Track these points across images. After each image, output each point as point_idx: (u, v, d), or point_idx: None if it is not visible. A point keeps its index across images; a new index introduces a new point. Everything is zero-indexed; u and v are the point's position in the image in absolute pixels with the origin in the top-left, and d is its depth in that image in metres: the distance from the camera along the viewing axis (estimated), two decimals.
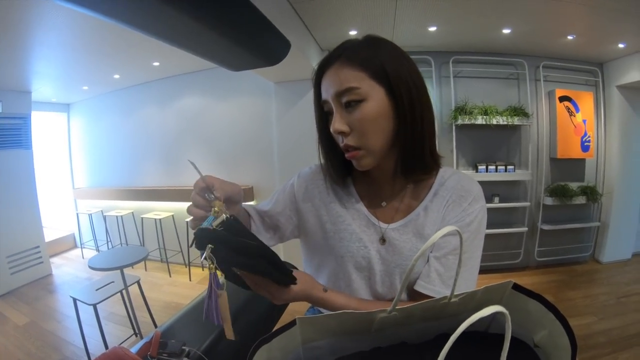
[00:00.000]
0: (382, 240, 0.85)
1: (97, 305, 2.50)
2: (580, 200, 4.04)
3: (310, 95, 0.85)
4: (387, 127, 0.75)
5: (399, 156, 0.80)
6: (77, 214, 5.76)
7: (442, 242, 0.79)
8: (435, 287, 0.77)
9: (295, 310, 1.20)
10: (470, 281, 0.78)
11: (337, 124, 0.74)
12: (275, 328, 0.49)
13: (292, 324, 0.48)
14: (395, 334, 0.51)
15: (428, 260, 0.81)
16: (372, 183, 0.89)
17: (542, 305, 0.44)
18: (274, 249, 0.79)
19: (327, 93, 0.77)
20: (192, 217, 0.72)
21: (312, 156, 0.93)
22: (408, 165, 0.80)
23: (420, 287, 0.79)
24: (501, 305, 0.47)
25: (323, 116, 0.83)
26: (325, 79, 0.78)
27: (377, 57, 0.73)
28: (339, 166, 0.88)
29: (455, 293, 0.77)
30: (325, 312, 0.97)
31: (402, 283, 0.46)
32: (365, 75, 0.72)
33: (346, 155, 0.79)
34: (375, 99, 0.72)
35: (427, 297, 0.76)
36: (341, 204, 0.91)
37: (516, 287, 0.46)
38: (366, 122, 0.73)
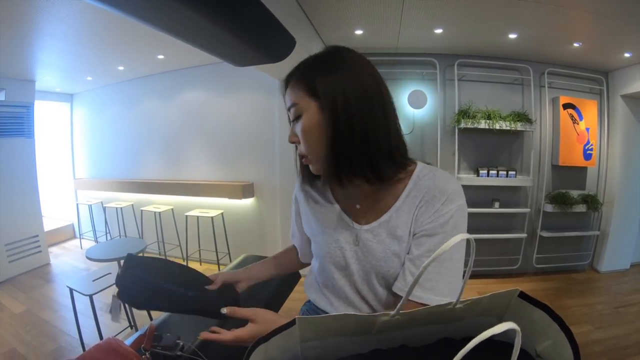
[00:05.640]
0: (357, 241, 0.89)
1: (94, 296, 2.51)
2: (581, 208, 4.04)
3: None
4: (322, 138, 0.79)
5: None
6: (77, 204, 5.76)
7: (416, 244, 0.81)
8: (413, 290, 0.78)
9: (292, 308, 1.20)
10: (454, 284, 0.78)
11: (290, 135, 0.85)
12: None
13: (291, 324, 0.47)
14: (396, 337, 0.50)
15: (404, 263, 0.83)
16: (345, 186, 0.90)
17: (548, 316, 0.43)
18: None
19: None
20: None
21: None
22: (358, 173, 0.80)
23: (398, 289, 0.82)
24: (507, 314, 0.46)
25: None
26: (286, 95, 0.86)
27: (313, 74, 0.79)
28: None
29: (441, 296, 0.76)
30: (323, 312, 1.01)
31: (408, 290, 0.45)
32: (303, 92, 0.79)
33: (302, 161, 0.87)
34: (309, 114, 0.79)
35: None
36: (320, 207, 0.98)
37: (522, 295, 0.45)
38: (304, 134, 0.81)
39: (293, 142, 0.85)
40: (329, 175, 0.83)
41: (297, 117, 0.81)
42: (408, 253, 0.83)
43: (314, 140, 0.80)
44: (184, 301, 0.93)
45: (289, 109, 0.83)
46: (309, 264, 1.18)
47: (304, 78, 0.80)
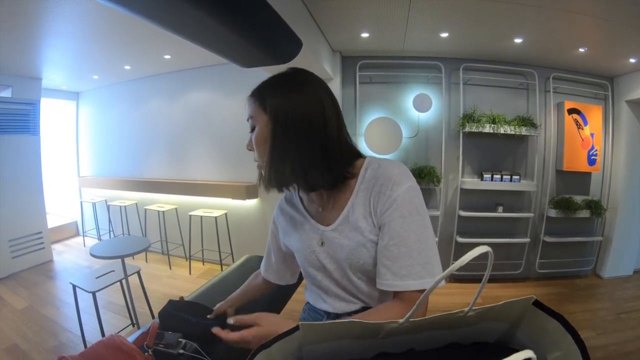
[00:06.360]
0: (321, 242, 0.96)
1: (96, 294, 2.52)
2: (584, 214, 4.02)
3: None
4: (267, 149, 0.89)
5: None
6: (81, 202, 5.80)
7: (382, 235, 0.85)
8: (388, 280, 0.82)
9: (293, 309, 1.21)
10: (430, 263, 0.81)
11: (247, 143, 0.95)
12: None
13: (294, 329, 0.47)
14: (404, 341, 0.50)
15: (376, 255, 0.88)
16: (309, 194, 1.00)
17: (562, 326, 0.43)
18: None
19: None
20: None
21: None
22: (291, 182, 0.89)
23: (381, 286, 0.85)
24: (520, 321, 0.46)
25: None
26: None
27: (267, 92, 0.89)
28: None
29: (420, 279, 0.78)
30: (321, 310, 1.05)
31: (418, 302, 0.45)
32: (258, 107, 0.90)
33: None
34: (260, 126, 0.90)
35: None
36: (293, 220, 1.05)
37: (537, 303, 0.45)
38: (255, 143, 0.92)
39: (249, 150, 0.96)
40: (267, 181, 0.91)
41: (253, 128, 0.92)
42: (377, 244, 0.87)
43: (262, 150, 0.91)
44: (190, 324, 1.14)
45: (247, 120, 0.94)
46: (279, 285, 1.25)
47: (260, 95, 0.90)
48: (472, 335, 0.49)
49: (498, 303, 0.45)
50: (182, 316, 1.18)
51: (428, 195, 4.05)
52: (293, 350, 0.49)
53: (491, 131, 3.76)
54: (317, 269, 0.99)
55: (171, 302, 1.25)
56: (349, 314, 0.97)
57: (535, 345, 0.46)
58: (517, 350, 0.34)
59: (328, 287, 0.99)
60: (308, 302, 1.12)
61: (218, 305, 1.25)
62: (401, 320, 0.46)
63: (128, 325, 2.98)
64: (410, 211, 0.82)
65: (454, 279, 4.02)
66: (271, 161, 0.88)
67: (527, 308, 0.46)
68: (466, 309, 0.46)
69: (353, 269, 0.91)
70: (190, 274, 4.40)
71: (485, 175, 3.91)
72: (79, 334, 2.72)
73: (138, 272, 2.92)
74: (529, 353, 0.30)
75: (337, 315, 0.99)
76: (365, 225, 0.87)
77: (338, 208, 0.94)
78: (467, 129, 3.79)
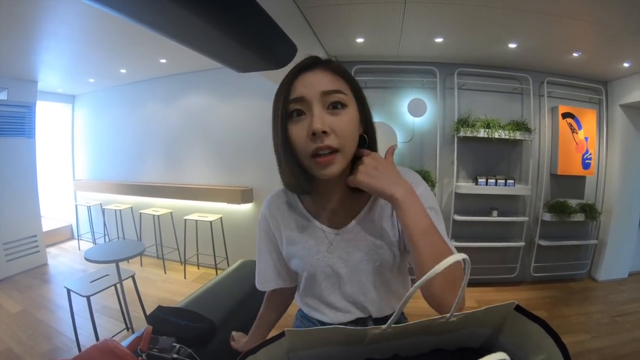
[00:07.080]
0: (332, 249, 0.91)
1: (91, 298, 2.51)
2: (579, 217, 4.04)
3: None
4: (357, 136, 0.82)
5: (349, 166, 0.84)
6: (76, 205, 5.77)
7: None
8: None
9: (288, 314, 1.21)
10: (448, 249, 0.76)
11: (320, 124, 0.73)
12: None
13: (280, 336, 0.48)
14: (389, 347, 0.50)
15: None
16: (317, 196, 0.92)
17: (543, 330, 0.44)
18: None
19: (309, 89, 0.76)
20: None
21: None
22: None
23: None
24: (503, 326, 0.46)
25: (284, 124, 0.80)
26: (305, 78, 0.79)
27: (353, 80, 0.83)
28: (305, 176, 0.83)
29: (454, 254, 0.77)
30: (315, 319, 1.03)
31: (400, 307, 0.45)
32: (348, 87, 0.80)
33: (318, 159, 0.75)
34: (353, 109, 0.79)
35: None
36: (296, 223, 0.96)
37: (518, 308, 0.46)
38: (349, 125, 0.77)
39: (324, 132, 0.73)
40: (332, 180, 0.81)
41: (337, 106, 0.76)
42: (396, 245, 0.88)
43: (354, 134, 0.79)
44: (178, 327, 1.20)
45: (327, 93, 0.75)
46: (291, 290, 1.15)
47: (346, 76, 0.81)
48: (457, 341, 0.50)
49: (480, 309, 0.45)
50: (171, 320, 1.21)
51: None
52: (281, 355, 0.50)
53: (486, 136, 3.78)
54: (328, 277, 0.93)
55: (160, 308, 1.26)
56: (344, 324, 0.94)
57: (519, 350, 0.46)
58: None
59: (328, 295, 0.95)
60: (301, 310, 1.09)
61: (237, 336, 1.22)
62: (384, 327, 0.46)
63: (122, 330, 2.97)
64: (432, 205, 0.83)
65: None
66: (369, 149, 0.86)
67: (509, 313, 0.46)
68: (448, 315, 0.46)
69: (368, 271, 0.90)
70: (185, 278, 4.39)
71: (479, 180, 3.92)
72: (73, 338, 2.71)
73: (133, 276, 2.92)
74: (502, 355, 0.31)
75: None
76: (388, 225, 0.88)
77: (352, 210, 0.90)
78: (461, 134, 3.80)
